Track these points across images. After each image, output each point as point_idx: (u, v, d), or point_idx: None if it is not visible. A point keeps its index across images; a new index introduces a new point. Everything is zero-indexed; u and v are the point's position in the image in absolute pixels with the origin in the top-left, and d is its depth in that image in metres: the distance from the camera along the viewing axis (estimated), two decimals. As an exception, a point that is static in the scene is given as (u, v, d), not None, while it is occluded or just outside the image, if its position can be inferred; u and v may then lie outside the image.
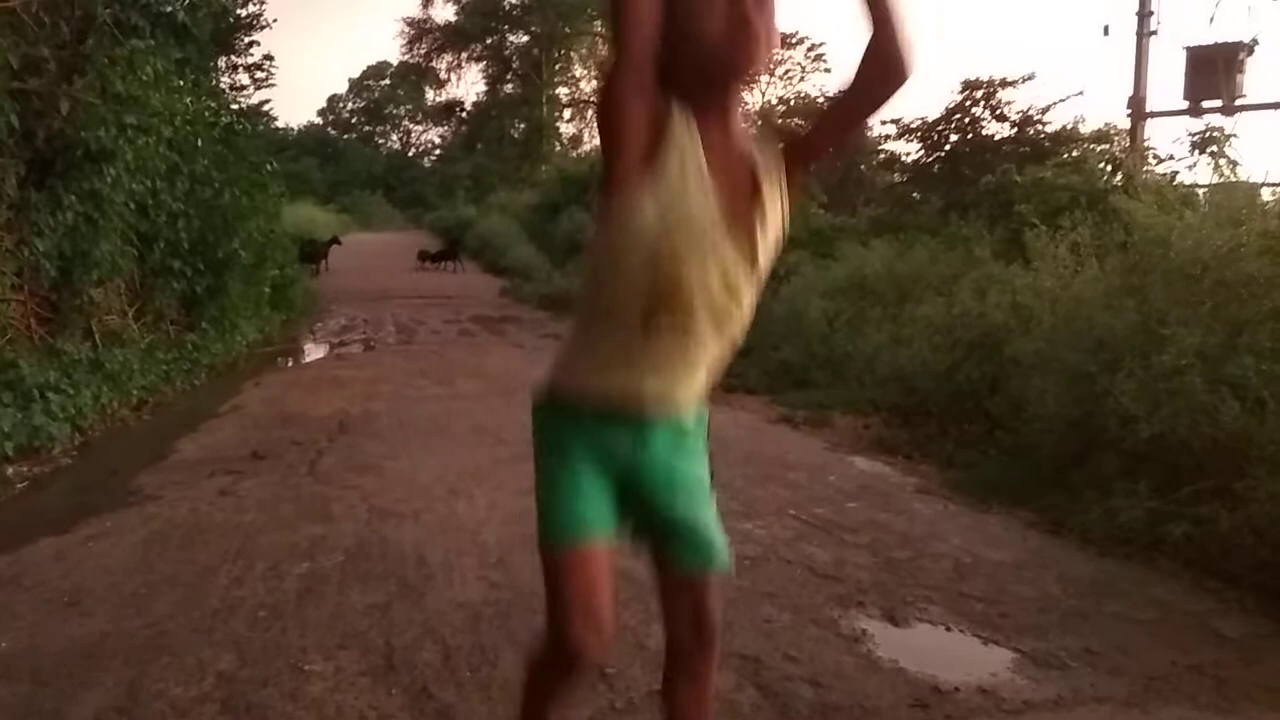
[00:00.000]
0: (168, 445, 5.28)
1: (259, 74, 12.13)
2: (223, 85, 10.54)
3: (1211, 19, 8.07)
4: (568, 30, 33.41)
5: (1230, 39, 8.05)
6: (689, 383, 1.51)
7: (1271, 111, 7.76)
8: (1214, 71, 8.03)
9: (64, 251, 5.75)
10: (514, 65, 36.39)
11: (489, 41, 36.16)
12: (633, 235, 1.38)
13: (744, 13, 1.31)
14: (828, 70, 22.54)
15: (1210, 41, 8.12)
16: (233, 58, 11.73)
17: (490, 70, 37.09)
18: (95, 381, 5.76)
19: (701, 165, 1.37)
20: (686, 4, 1.32)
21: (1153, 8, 8.70)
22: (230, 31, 10.72)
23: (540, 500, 1.58)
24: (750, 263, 1.43)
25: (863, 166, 12.45)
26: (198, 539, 3.73)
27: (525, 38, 35.83)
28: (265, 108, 11.83)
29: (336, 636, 2.85)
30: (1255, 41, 7.92)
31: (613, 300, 1.44)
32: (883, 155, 12.02)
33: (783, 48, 25.41)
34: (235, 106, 9.92)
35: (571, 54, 35.33)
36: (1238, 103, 8.06)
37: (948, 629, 2.97)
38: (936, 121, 10.72)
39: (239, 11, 10.38)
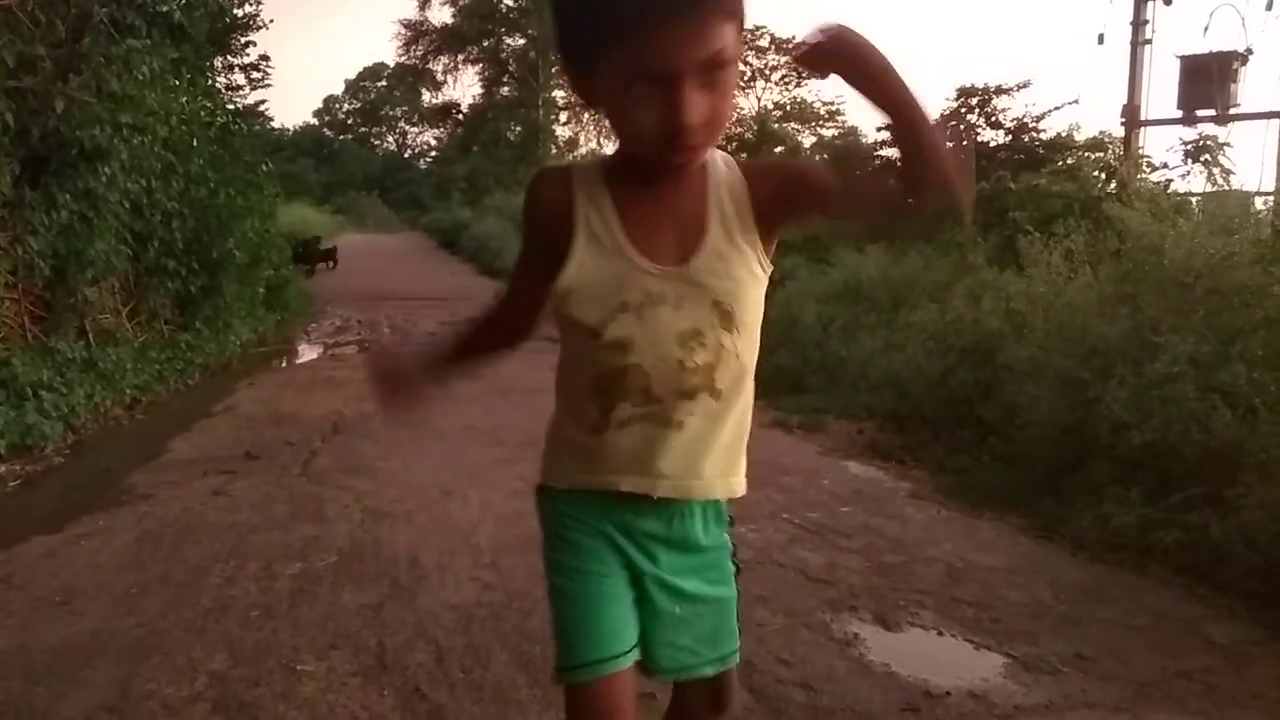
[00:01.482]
0: (161, 444, 5.27)
1: (255, 74, 12.15)
2: (219, 85, 10.51)
3: (1205, 29, 8.07)
4: (564, 34, 33.42)
5: (1224, 48, 8.09)
6: (692, 478, 1.28)
7: (1265, 121, 7.79)
8: (1208, 80, 8.08)
9: (58, 250, 5.74)
10: (510, 68, 36.41)
11: (485, 44, 36.18)
12: (570, 341, 1.29)
13: (679, 128, 1.10)
14: (821, 77, 22.61)
15: (1204, 51, 8.17)
16: (229, 58, 11.74)
17: (486, 73, 37.12)
18: (88, 380, 5.76)
19: (621, 242, 1.22)
20: (621, 113, 1.15)
21: (1147, 17, 8.74)
22: (227, 31, 10.72)
23: (554, 613, 1.35)
24: (723, 315, 1.24)
25: (858, 173, 12.48)
26: (190, 538, 3.72)
27: (522, 41, 35.85)
28: (261, 108, 11.85)
29: (329, 636, 2.85)
30: (1249, 51, 7.97)
31: (573, 399, 1.32)
32: (879, 161, 12.06)
33: (778, 53, 25.45)
34: (231, 106, 9.91)
35: (568, 58, 35.32)
36: (1231, 111, 8.11)
37: (939, 633, 2.98)
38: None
39: (236, 12, 10.37)
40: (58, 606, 3.07)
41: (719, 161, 1.27)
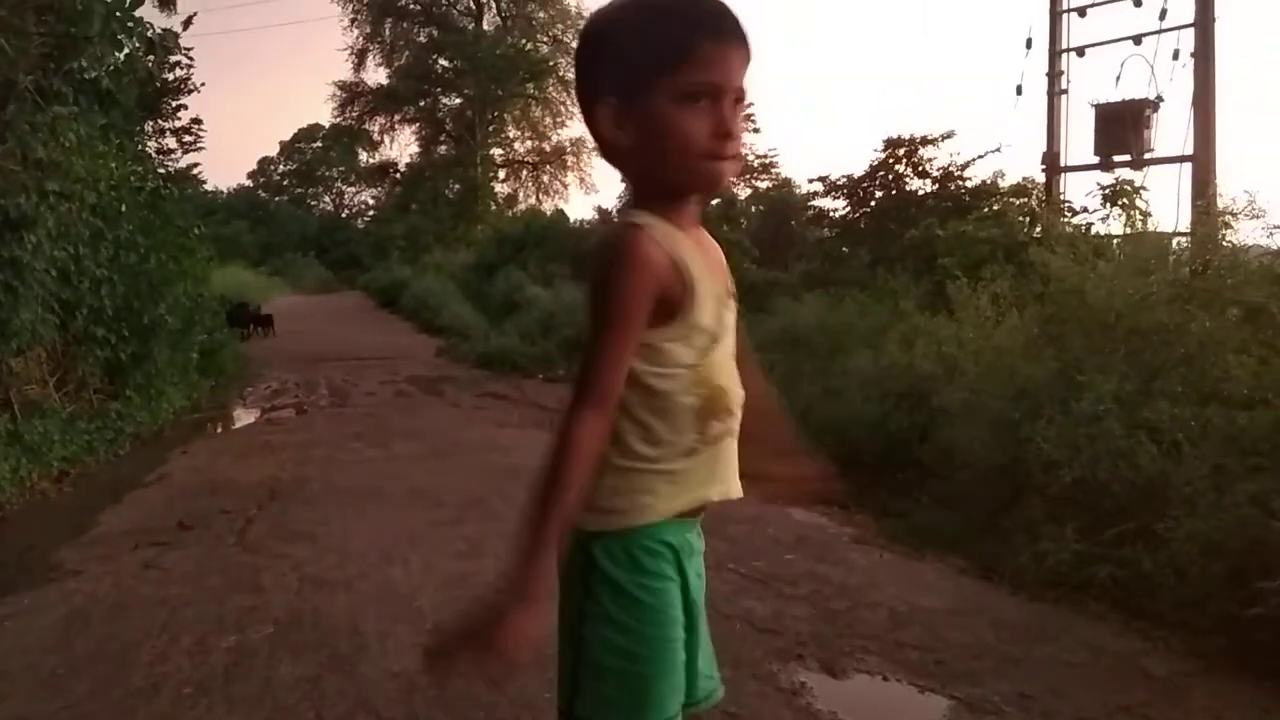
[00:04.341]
0: (90, 518, 5.12)
1: (187, 138, 11.99)
2: (149, 149, 10.38)
3: (1118, 78, 8.39)
4: (500, 93, 33.71)
5: (1136, 97, 8.41)
6: (736, 477, 1.43)
7: (1177, 165, 8.10)
8: (1122, 128, 8.38)
9: (-19, 321, 5.60)
10: (447, 127, 36.53)
11: (422, 104, 36.27)
12: (668, 376, 1.32)
13: (728, 133, 1.27)
14: (756, 130, 23.02)
15: (1118, 99, 8.49)
16: (160, 121, 11.57)
17: (423, 132, 37.17)
18: (13, 454, 5.59)
19: (712, 286, 1.34)
20: (675, 125, 1.26)
21: (1062, 68, 9.07)
22: (157, 96, 10.59)
23: (614, 677, 1.32)
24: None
25: (794, 223, 12.71)
26: (120, 615, 3.61)
27: (458, 100, 36.05)
28: (194, 171, 11.71)
29: (265, 712, 2.77)
30: (1160, 99, 8.30)
31: (670, 430, 1.34)
32: (812, 211, 12.30)
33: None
34: (162, 170, 9.79)
35: (505, 115, 35.61)
36: (1146, 157, 8.41)
37: (885, 679, 2.99)
38: (862, 179, 11.03)
39: (166, 76, 10.28)
40: (-21, 693, 2.95)
41: None
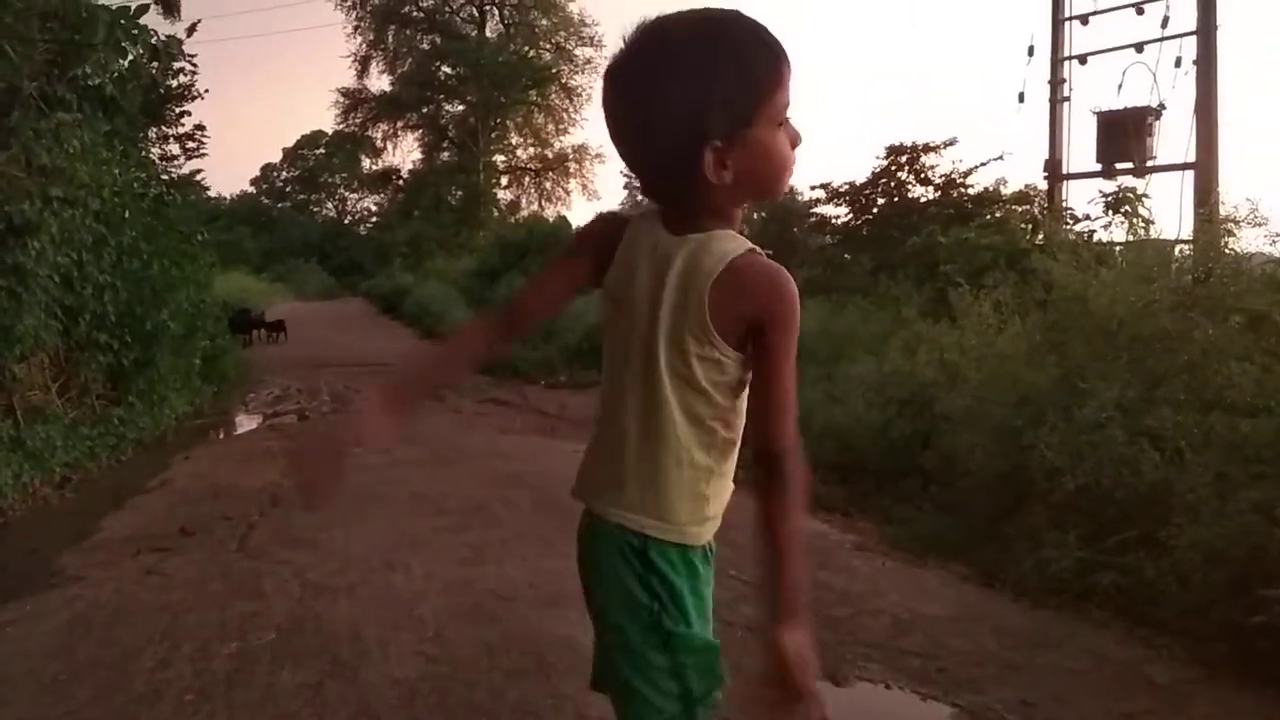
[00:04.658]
0: (92, 524, 5.12)
1: (190, 144, 11.99)
2: (153, 156, 10.39)
3: (1120, 86, 8.40)
4: (503, 99, 33.80)
5: (1139, 104, 8.42)
6: None
7: (1180, 172, 8.11)
8: (1125, 135, 8.39)
9: (-16, 327, 5.60)
10: (450, 134, 36.62)
11: (425, 111, 36.36)
12: (739, 399, 1.41)
13: (799, 143, 1.35)
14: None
15: (1120, 107, 8.49)
16: (164, 128, 11.57)
17: (426, 139, 37.26)
18: (16, 460, 5.59)
19: None
20: (777, 150, 1.32)
21: (1064, 75, 9.08)
22: (161, 103, 10.60)
23: (705, 656, 1.42)
24: None
25: (795, 230, 12.72)
26: (122, 621, 3.61)
27: (461, 107, 36.13)
28: (198, 177, 11.72)
29: (267, 718, 2.77)
30: (1162, 106, 8.31)
31: (735, 447, 1.43)
32: (814, 218, 12.31)
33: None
34: (166, 177, 9.78)
35: (507, 122, 35.71)
36: (1148, 164, 8.42)
37: (887, 686, 2.99)
38: (864, 185, 11.04)
39: (170, 83, 10.29)
40: (-20, 698, 2.95)
41: None
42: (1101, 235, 8.02)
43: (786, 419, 1.34)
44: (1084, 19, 8.93)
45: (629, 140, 1.33)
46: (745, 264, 1.31)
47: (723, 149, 1.26)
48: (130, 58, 7.20)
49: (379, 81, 36.94)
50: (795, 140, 1.34)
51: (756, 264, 1.32)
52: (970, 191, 10.27)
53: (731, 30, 1.28)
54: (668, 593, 1.36)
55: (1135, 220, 7.87)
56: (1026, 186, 10.01)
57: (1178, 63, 8.01)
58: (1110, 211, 8.15)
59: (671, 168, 1.29)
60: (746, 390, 1.38)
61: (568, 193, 36.20)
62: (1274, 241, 4.88)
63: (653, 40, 1.29)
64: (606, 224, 1.44)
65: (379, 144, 39.48)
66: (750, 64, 1.27)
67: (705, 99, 1.24)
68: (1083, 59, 9.00)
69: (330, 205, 51.60)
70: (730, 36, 1.27)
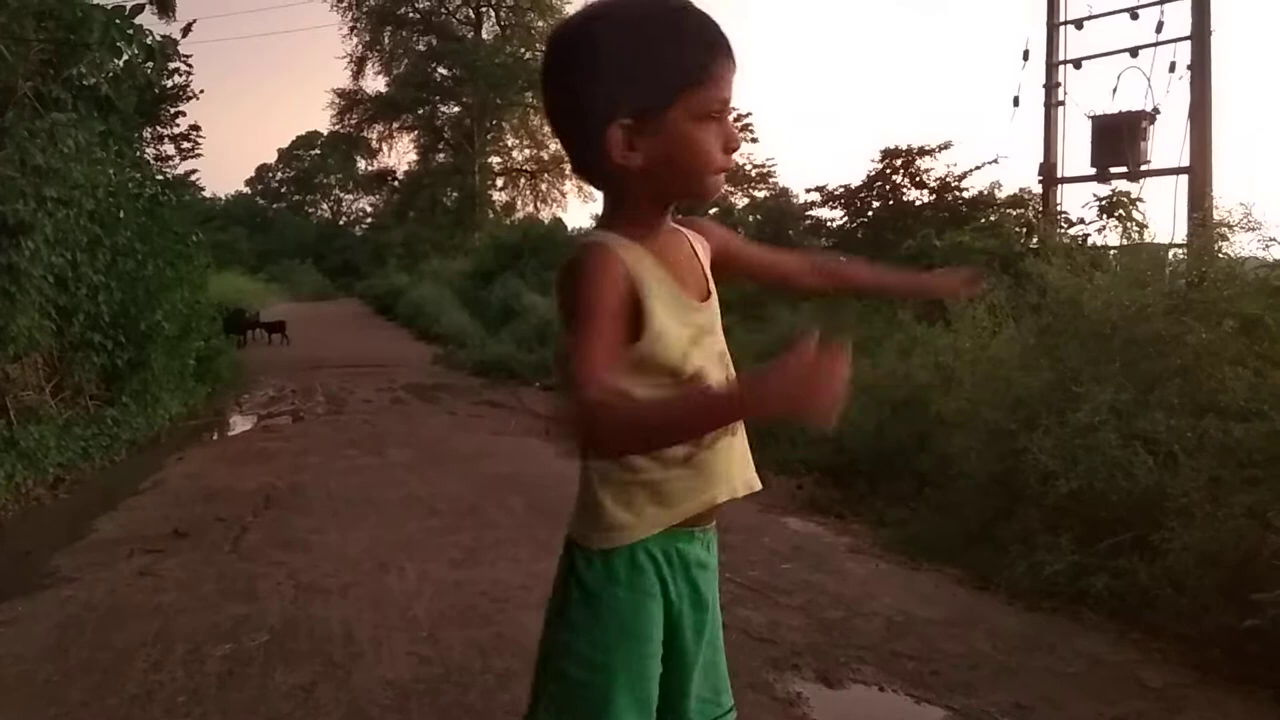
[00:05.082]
0: (85, 524, 5.11)
1: (186, 145, 11.95)
2: (148, 156, 10.35)
3: (1114, 90, 8.42)
4: (499, 101, 33.78)
5: (1133, 108, 8.44)
6: (742, 475, 1.41)
7: (1174, 176, 8.12)
8: (1119, 139, 8.40)
9: (-23, 327, 5.59)
10: (446, 135, 36.58)
11: (420, 112, 36.32)
12: (650, 387, 1.29)
13: (735, 149, 1.32)
14: (754, 140, 23.00)
15: (1114, 111, 8.51)
16: (159, 128, 11.54)
17: (422, 140, 37.21)
18: (9, 460, 5.58)
19: (676, 292, 1.33)
20: (697, 143, 1.27)
21: (1059, 79, 9.11)
22: (156, 103, 10.56)
23: (576, 690, 1.33)
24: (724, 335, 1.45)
25: (791, 232, 12.74)
26: (115, 622, 3.60)
27: (456, 108, 36.11)
28: (193, 178, 11.68)
29: (260, 720, 2.76)
30: (1156, 110, 8.33)
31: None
32: (810, 221, 12.33)
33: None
34: (161, 177, 9.75)
35: (503, 124, 35.67)
36: (1142, 168, 8.44)
37: (881, 689, 2.99)
38: (859, 188, 11.08)
39: (165, 83, 10.26)
40: (-28, 700, 2.94)
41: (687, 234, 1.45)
42: (1096, 239, 8.04)
43: (574, 389, 1.15)
44: (1079, 23, 8.95)
45: (554, 122, 1.36)
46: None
47: (631, 128, 1.24)
48: (125, 58, 7.20)
49: (374, 82, 36.91)
50: (730, 142, 1.30)
51: (566, 256, 1.32)
52: (965, 195, 10.30)
53: (660, 14, 1.28)
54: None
55: (1129, 224, 7.89)
56: (1021, 190, 10.05)
57: (1172, 67, 8.03)
58: (1104, 215, 8.17)
59: (584, 149, 1.29)
60: (661, 374, 1.29)
61: (563, 194, 36.17)
62: (1267, 246, 4.89)
63: (585, 18, 1.30)
64: None
65: (374, 145, 39.42)
66: (676, 48, 1.26)
67: (618, 76, 1.24)
68: (1077, 63, 9.02)
69: (325, 206, 51.62)
70: (657, 20, 1.27)
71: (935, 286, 1.79)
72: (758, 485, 1.44)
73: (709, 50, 1.27)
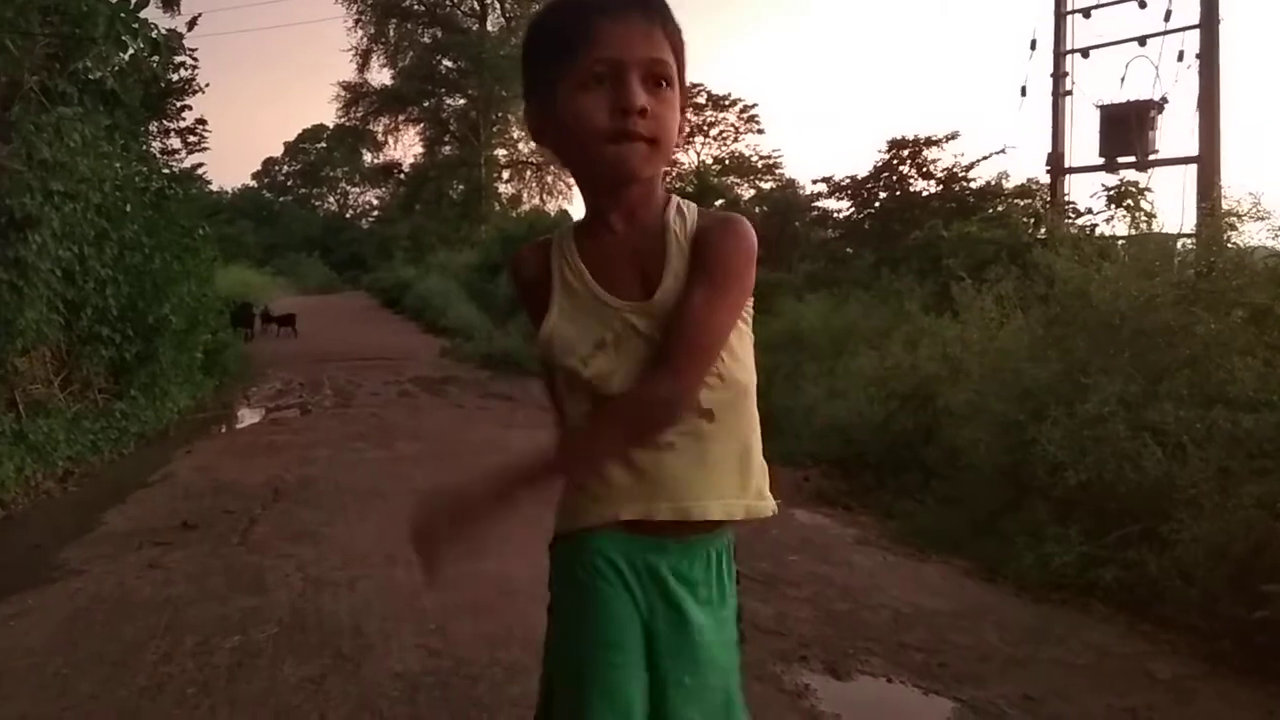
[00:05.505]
0: (94, 517, 5.12)
1: (191, 138, 12.02)
2: (154, 150, 10.40)
3: (1122, 80, 8.39)
4: (504, 93, 33.69)
5: (1141, 98, 8.41)
6: (689, 499, 1.28)
7: (1183, 166, 8.09)
8: (1127, 129, 8.38)
9: (-14, 320, 5.61)
10: (451, 128, 36.54)
11: (426, 105, 36.27)
12: (560, 386, 1.36)
13: (627, 108, 1.20)
14: (760, 131, 22.91)
15: (1122, 100, 8.48)
16: (165, 122, 11.59)
17: (427, 133, 37.17)
18: (18, 453, 5.60)
19: (592, 287, 1.29)
20: (578, 109, 1.22)
21: (1067, 69, 9.07)
22: (162, 96, 10.61)
23: (556, 676, 1.34)
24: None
25: (797, 224, 12.71)
26: (124, 614, 3.61)
27: (462, 101, 36.07)
28: (199, 171, 11.72)
29: (269, 712, 2.77)
30: (1164, 100, 8.30)
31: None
32: (816, 212, 12.30)
33: (715, 110, 25.93)
34: (167, 171, 9.78)
35: (509, 116, 35.61)
36: (1150, 158, 8.41)
37: (889, 680, 2.98)
38: (866, 179, 11.04)
39: (170, 77, 10.29)
40: (-17, 692, 2.95)
41: (678, 206, 1.33)
42: (1104, 229, 8.00)
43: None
44: (1086, 13, 8.92)
45: None
46: None
47: (535, 109, 1.31)
48: (131, 52, 7.19)
49: (380, 75, 36.84)
50: (620, 101, 1.20)
51: None
52: (972, 185, 10.27)
53: (545, 6, 1.30)
54: None
55: (1137, 214, 7.85)
56: (1029, 180, 10.03)
57: (1180, 56, 8.01)
58: (1112, 205, 8.14)
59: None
60: (566, 394, 1.33)
61: (569, 186, 35.95)
62: (1276, 235, 4.87)
63: None
64: None
65: (380, 138, 39.36)
66: (550, 25, 1.28)
67: (526, 59, 1.31)
68: (1085, 53, 8.99)
69: (332, 199, 51.61)
70: (547, 4, 1.31)
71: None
72: (710, 516, 1.30)
73: (576, 13, 1.23)
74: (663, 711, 1.27)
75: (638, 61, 1.21)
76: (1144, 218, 7.71)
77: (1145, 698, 2.82)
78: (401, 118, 37.17)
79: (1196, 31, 7.83)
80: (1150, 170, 8.31)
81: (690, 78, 1.36)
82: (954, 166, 10.46)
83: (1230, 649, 3.05)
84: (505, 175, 36.78)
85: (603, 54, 1.20)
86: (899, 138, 10.75)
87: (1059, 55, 9.06)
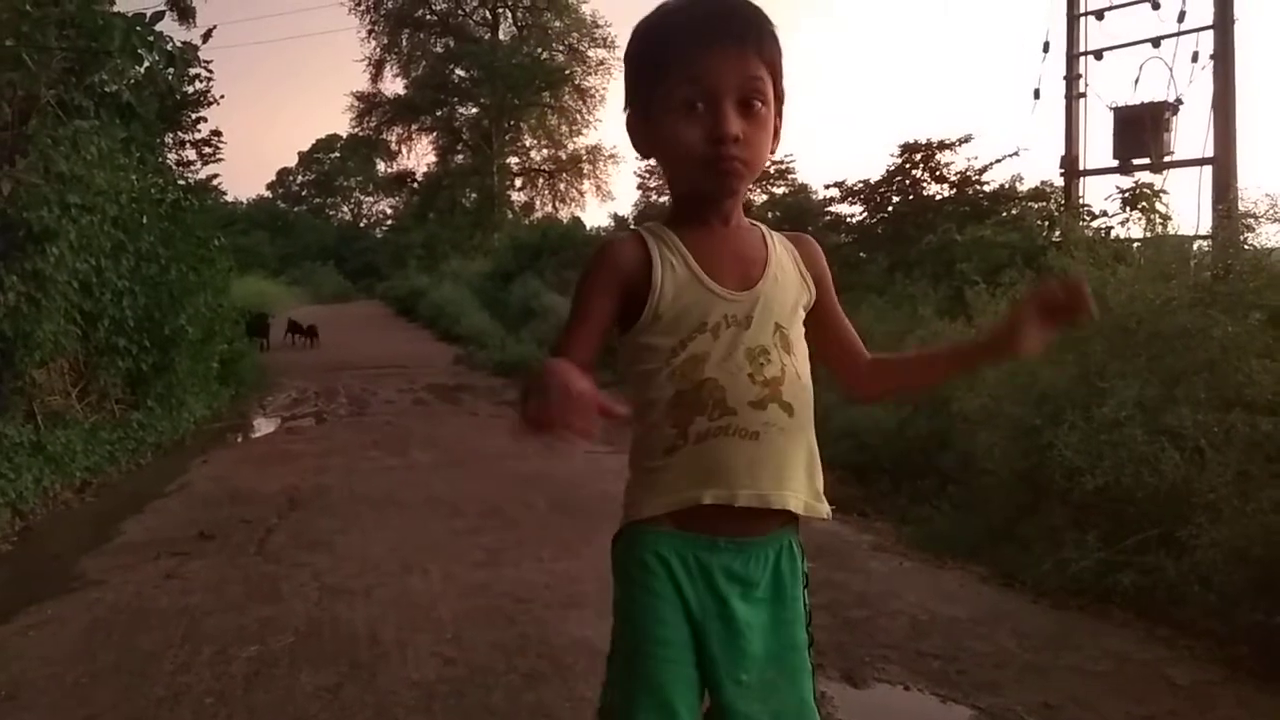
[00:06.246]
0: (112, 527, 5.15)
1: (207, 149, 12.08)
2: (169, 161, 10.46)
3: (1136, 81, 8.34)
4: (516, 102, 33.88)
5: (1155, 99, 8.35)
6: (771, 488, 1.32)
7: (1198, 167, 8.03)
8: (1141, 130, 8.32)
9: (5, 333, 5.65)
10: (464, 136, 36.72)
11: (439, 114, 36.46)
12: (645, 370, 1.33)
13: (721, 137, 1.26)
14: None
15: (1136, 102, 8.43)
16: (180, 134, 11.66)
17: (441, 141, 37.36)
18: (37, 464, 5.63)
19: (697, 272, 1.33)
20: (670, 133, 1.29)
21: (1080, 71, 9.02)
22: (177, 109, 10.68)
23: (618, 673, 1.36)
24: (783, 337, 1.36)
25: (810, 228, 12.68)
26: (142, 624, 3.63)
27: (475, 109, 36.23)
28: (214, 182, 11.79)
29: (286, 721, 2.78)
30: (1179, 101, 8.24)
31: (650, 428, 1.34)
32: (829, 217, 12.26)
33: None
34: (182, 182, 9.84)
35: (521, 125, 35.78)
36: (1165, 159, 8.35)
37: (906, 688, 2.97)
38: (879, 183, 11.00)
39: (186, 89, 10.36)
40: (4, 701, 2.97)
41: (772, 233, 1.45)
42: (1119, 232, 7.96)
43: None
44: (1099, 14, 8.87)
45: None
46: None
47: (631, 120, 1.38)
48: (146, 64, 7.26)
49: (393, 85, 37.09)
50: (714, 131, 1.26)
51: None
52: (986, 189, 10.22)
53: (671, 7, 1.34)
54: None
55: (1153, 216, 7.80)
56: (1043, 183, 9.96)
57: (1195, 57, 7.95)
58: (1128, 208, 8.08)
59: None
60: (652, 379, 1.32)
61: (581, 194, 36.23)
62: (1293, 236, 4.83)
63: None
64: None
65: (393, 147, 39.61)
66: (647, 44, 1.34)
67: (629, 68, 1.38)
68: (1098, 54, 8.94)
69: (346, 208, 51.91)
70: (645, 20, 1.36)
71: (1019, 333, 1.36)
72: (788, 505, 1.34)
73: (669, 40, 1.30)
74: (722, 708, 1.32)
75: (731, 88, 1.27)
76: (1159, 220, 7.66)
77: (1164, 704, 2.80)
78: (415, 127, 37.38)
79: (1211, 32, 7.78)
80: (1165, 172, 8.24)
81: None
82: (967, 170, 10.41)
83: (1250, 654, 3.02)
84: (518, 183, 36.94)
85: (695, 82, 1.26)
86: (912, 141, 10.72)
87: (1072, 57, 9.01)
